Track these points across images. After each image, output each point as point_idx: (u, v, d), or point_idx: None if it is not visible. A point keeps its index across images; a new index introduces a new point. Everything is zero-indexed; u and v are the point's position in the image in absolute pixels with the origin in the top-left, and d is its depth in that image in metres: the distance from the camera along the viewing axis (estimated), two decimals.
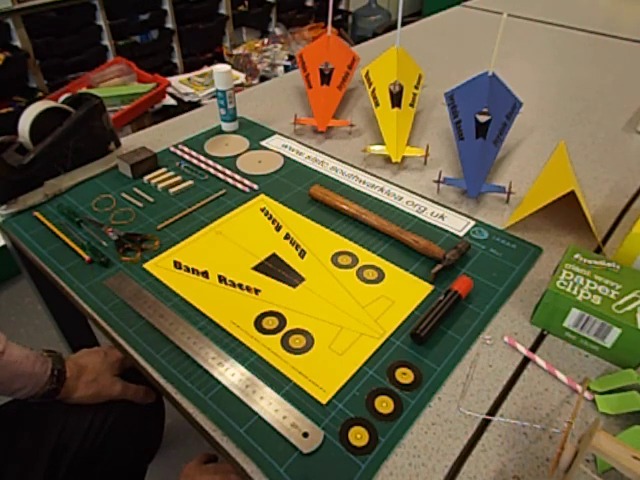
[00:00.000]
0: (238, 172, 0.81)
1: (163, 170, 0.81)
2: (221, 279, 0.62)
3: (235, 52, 2.55)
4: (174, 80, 2.14)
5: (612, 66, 1.22)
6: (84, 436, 0.64)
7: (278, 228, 0.70)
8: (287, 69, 2.51)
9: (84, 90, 1.84)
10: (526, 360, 0.53)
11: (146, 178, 0.78)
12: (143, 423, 0.73)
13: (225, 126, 0.92)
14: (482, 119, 0.80)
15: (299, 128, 0.94)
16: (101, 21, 2.20)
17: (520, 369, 0.52)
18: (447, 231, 0.69)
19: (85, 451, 0.64)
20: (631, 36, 1.40)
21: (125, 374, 0.69)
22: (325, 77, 0.96)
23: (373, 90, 0.93)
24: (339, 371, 0.51)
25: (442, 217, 0.72)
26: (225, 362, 0.51)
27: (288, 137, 0.91)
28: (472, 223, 0.71)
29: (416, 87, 0.95)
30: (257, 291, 0.60)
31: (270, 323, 0.56)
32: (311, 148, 0.88)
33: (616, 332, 0.50)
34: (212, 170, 0.81)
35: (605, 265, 0.55)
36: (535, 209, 0.65)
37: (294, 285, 0.61)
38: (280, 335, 0.55)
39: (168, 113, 1.91)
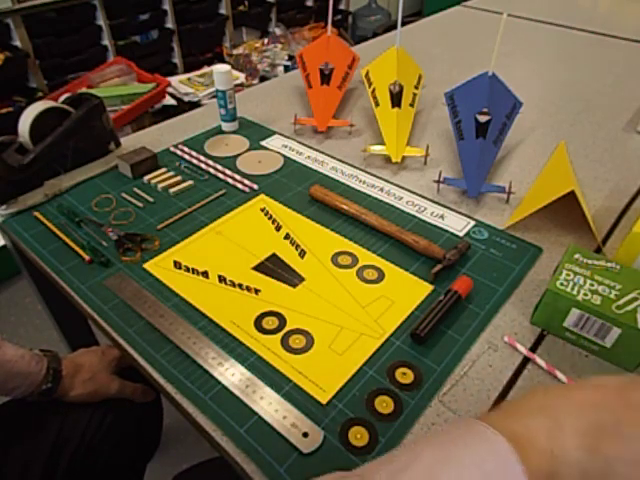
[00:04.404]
0: (238, 172, 0.81)
1: (163, 170, 0.81)
2: (221, 279, 0.62)
3: (235, 52, 2.55)
4: (174, 80, 2.14)
5: (612, 66, 1.22)
6: (82, 435, 0.64)
7: (278, 228, 0.70)
8: (287, 69, 2.51)
9: (84, 90, 1.84)
10: (526, 360, 0.53)
11: (146, 178, 0.78)
12: (141, 422, 0.73)
13: (225, 126, 0.92)
14: (482, 119, 0.80)
15: (299, 128, 0.94)
16: (101, 21, 2.20)
17: (520, 369, 0.52)
18: (447, 231, 0.69)
19: (83, 450, 0.64)
20: (631, 36, 1.40)
21: (124, 373, 0.69)
22: (325, 77, 0.96)
23: (373, 90, 0.93)
24: (339, 371, 0.51)
25: (442, 217, 0.72)
26: (225, 362, 0.51)
27: (288, 137, 0.91)
28: (472, 223, 0.71)
29: (416, 87, 0.95)
30: (257, 291, 0.60)
31: (270, 323, 0.56)
32: (311, 148, 0.88)
33: (616, 332, 0.50)
34: (212, 170, 0.81)
35: (605, 265, 0.55)
36: (535, 209, 0.65)
37: (294, 285, 0.61)
38: (280, 335, 0.55)
39: (168, 113, 1.91)
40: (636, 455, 0.27)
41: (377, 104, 0.90)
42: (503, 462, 0.26)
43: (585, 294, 0.51)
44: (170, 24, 2.46)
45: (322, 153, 0.87)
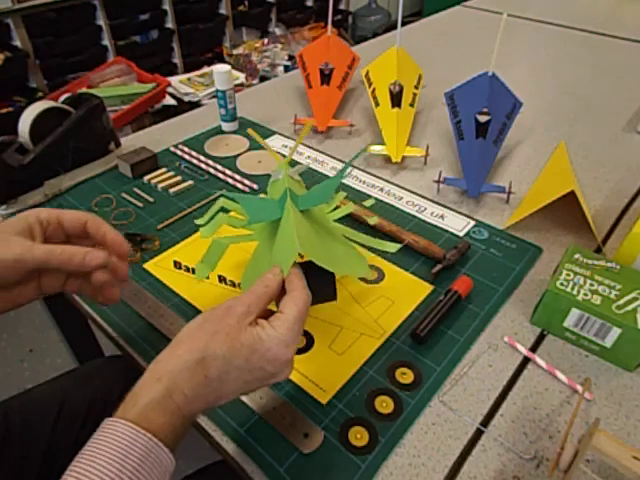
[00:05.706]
0: (238, 172, 0.81)
1: (163, 170, 0.81)
2: (221, 279, 0.62)
3: (235, 52, 2.55)
4: (174, 80, 2.14)
5: (612, 66, 1.22)
6: (77, 434, 0.63)
7: None
8: (287, 69, 2.51)
9: (84, 90, 1.84)
10: (526, 360, 0.53)
11: (146, 178, 0.78)
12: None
13: (225, 126, 0.92)
14: (482, 119, 0.80)
15: (299, 128, 0.94)
16: (101, 21, 2.20)
17: (520, 369, 0.52)
18: (447, 231, 0.69)
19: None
20: (631, 36, 1.40)
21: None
22: (325, 77, 0.96)
23: (373, 90, 0.93)
24: (339, 371, 0.51)
25: (442, 217, 0.72)
26: None
27: (288, 137, 0.91)
28: (472, 223, 0.71)
29: (416, 87, 0.95)
30: None
31: None
32: (311, 148, 0.88)
33: (616, 332, 0.50)
34: (212, 170, 0.81)
35: (605, 265, 0.55)
36: (535, 209, 0.65)
37: None
38: None
39: (168, 113, 1.91)
40: (231, 362, 0.36)
41: (377, 104, 0.90)
42: (141, 446, 0.32)
43: (585, 294, 0.51)
44: (170, 24, 2.47)
45: (322, 153, 0.87)
